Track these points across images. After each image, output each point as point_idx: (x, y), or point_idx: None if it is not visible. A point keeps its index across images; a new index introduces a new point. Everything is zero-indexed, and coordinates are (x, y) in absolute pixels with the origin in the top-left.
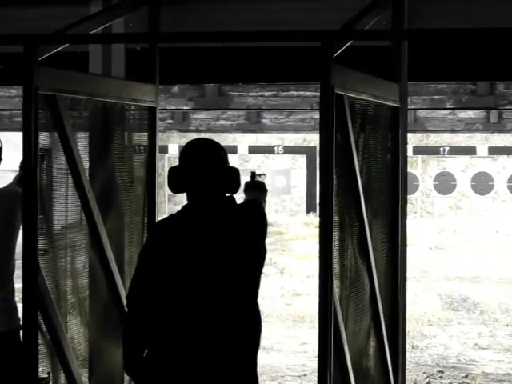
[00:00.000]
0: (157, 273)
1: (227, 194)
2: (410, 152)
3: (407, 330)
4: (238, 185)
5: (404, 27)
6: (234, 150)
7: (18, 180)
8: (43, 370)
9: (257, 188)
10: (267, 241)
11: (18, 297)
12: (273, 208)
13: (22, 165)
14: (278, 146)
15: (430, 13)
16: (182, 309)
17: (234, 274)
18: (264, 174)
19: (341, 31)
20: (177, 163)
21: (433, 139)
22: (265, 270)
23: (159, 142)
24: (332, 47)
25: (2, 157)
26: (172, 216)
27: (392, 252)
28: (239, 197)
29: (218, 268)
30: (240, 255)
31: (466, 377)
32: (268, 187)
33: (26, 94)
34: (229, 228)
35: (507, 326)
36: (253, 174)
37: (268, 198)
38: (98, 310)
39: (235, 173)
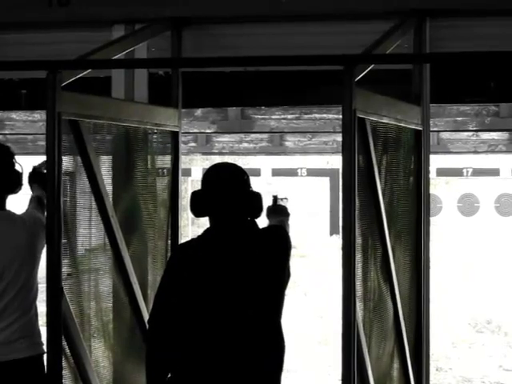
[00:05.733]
0: (178, 296)
1: (249, 218)
2: (433, 173)
3: (431, 352)
4: (261, 209)
5: (425, 51)
6: (257, 172)
7: (36, 201)
8: None
9: (279, 212)
10: (290, 263)
11: (42, 320)
12: (296, 230)
13: (31, 181)
14: (302, 168)
15: (452, 36)
16: (204, 332)
17: (256, 297)
18: (286, 198)
19: (363, 55)
20: (200, 187)
21: (456, 161)
22: (289, 292)
23: (182, 165)
24: (354, 71)
25: (23, 182)
26: (193, 240)
27: (415, 274)
28: (262, 219)
29: (238, 291)
30: (261, 278)
31: None
32: (291, 210)
33: (49, 120)
34: (250, 251)
35: None
36: (275, 198)
37: (291, 221)
38: (121, 333)
39: (257, 197)
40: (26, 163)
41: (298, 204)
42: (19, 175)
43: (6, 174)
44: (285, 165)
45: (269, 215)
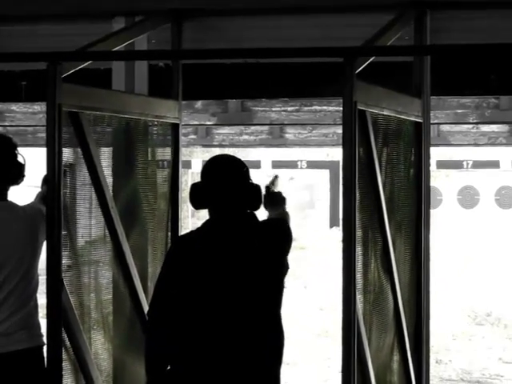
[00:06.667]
0: (177, 288)
1: (248, 211)
2: (433, 166)
3: (431, 344)
4: (260, 201)
5: (426, 43)
6: (257, 165)
7: (41, 197)
8: None
9: (274, 199)
10: (290, 255)
11: (42, 312)
12: (296, 222)
13: (45, 181)
14: (301, 160)
15: (452, 28)
16: (202, 324)
17: (254, 289)
18: (277, 176)
19: (363, 47)
20: (200, 179)
21: (456, 153)
22: (288, 284)
23: (182, 157)
24: (354, 63)
25: (25, 173)
26: (193, 232)
27: (415, 266)
28: (261, 210)
29: (237, 283)
30: (260, 270)
31: None
32: (292, 202)
33: (49, 111)
34: (249, 243)
35: None
36: (267, 188)
37: (291, 213)
38: (121, 325)
39: (257, 190)
40: (25, 155)
41: (298, 196)
42: (21, 166)
43: (9, 166)
44: (285, 157)
45: (266, 205)
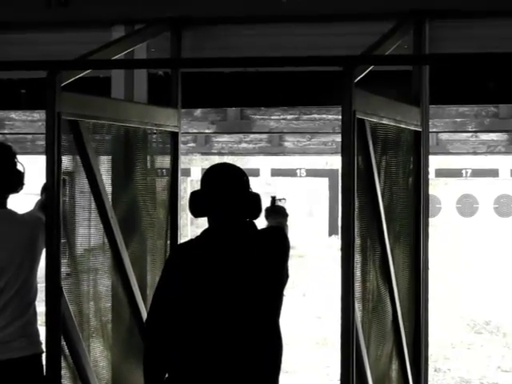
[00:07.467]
0: (176, 295)
1: (248, 219)
2: (432, 174)
3: (430, 352)
4: (259, 210)
5: (425, 52)
6: (256, 173)
7: (40, 205)
8: None
9: (278, 213)
10: (289, 263)
11: (41, 320)
12: (295, 230)
13: (44, 189)
14: (301, 168)
15: (451, 37)
16: (201, 333)
17: (254, 297)
18: (284, 199)
19: (362, 57)
20: (199, 187)
21: (455, 162)
22: (287, 292)
23: (182, 165)
24: (353, 73)
25: (25, 181)
26: (192, 240)
27: (414, 275)
28: (260, 220)
29: (236, 291)
30: (259, 279)
31: None
32: (290, 210)
33: (48, 120)
34: (248, 252)
35: None
36: (273, 199)
37: (290, 221)
38: (120, 333)
39: (256, 198)
40: (25, 163)
41: (297, 204)
42: (21, 175)
43: (8, 174)
44: (284, 165)
45: (267, 216)
